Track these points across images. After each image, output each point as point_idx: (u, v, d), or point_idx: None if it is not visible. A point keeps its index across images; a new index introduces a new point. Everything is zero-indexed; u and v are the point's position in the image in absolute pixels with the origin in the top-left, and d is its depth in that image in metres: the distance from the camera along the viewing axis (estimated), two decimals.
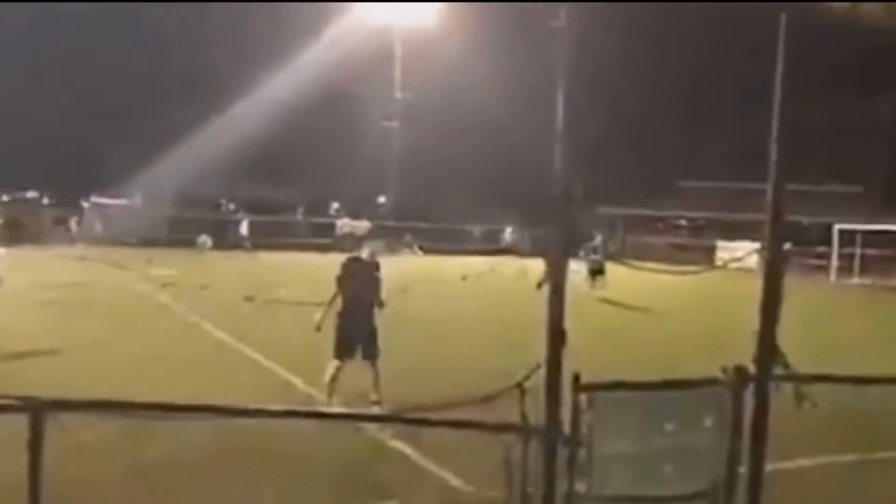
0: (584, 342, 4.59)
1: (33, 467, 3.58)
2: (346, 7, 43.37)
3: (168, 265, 24.48)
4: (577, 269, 19.83)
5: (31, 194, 49.24)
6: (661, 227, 51.14)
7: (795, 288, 7.36)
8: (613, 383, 4.41)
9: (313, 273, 24.28)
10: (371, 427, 7.09)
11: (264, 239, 37.84)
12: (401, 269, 28.25)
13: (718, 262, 29.28)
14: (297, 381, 9.67)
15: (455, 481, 6.37)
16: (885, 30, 4.82)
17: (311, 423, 6.44)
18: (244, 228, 39.82)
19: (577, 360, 4.27)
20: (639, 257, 27.03)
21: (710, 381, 4.56)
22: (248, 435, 6.29)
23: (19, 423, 3.58)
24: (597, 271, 20.91)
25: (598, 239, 21.76)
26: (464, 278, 25.36)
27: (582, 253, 20.88)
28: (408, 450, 6.90)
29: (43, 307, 15.05)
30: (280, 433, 6.35)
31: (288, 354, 10.80)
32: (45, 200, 49.06)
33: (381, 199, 51.79)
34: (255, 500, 5.71)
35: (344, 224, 41.82)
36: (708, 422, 4.48)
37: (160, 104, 45.45)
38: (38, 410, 3.55)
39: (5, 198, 46.76)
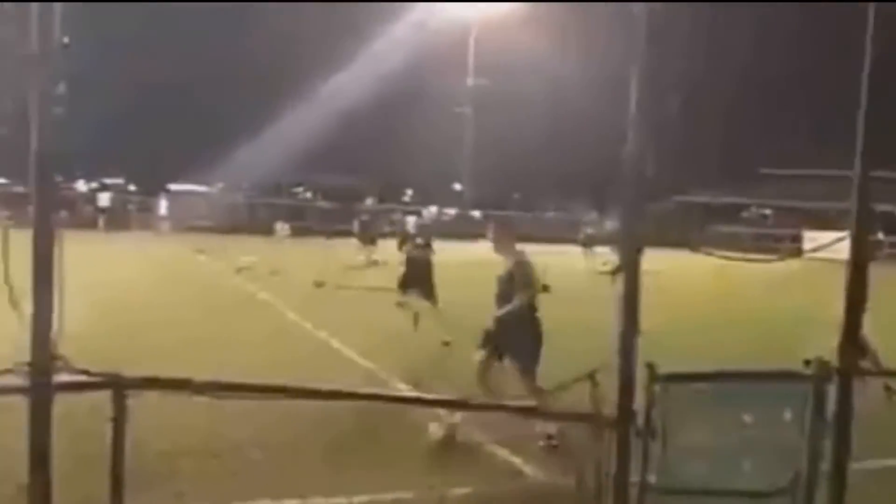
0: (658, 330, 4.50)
1: (116, 443, 3.70)
2: None
3: (247, 251, 25.00)
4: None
5: (115, 181, 50.70)
6: (743, 215, 49.84)
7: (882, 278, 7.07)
8: (690, 374, 4.32)
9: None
10: (441, 412, 7.11)
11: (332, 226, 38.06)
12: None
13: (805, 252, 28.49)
14: (370, 365, 9.80)
15: (527, 468, 6.36)
16: None
17: (377, 406, 6.50)
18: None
19: (650, 349, 4.21)
20: (720, 248, 26.44)
21: (791, 374, 4.42)
22: (318, 417, 6.40)
23: (102, 400, 3.71)
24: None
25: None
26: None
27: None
28: (479, 436, 6.90)
29: (127, 289, 15.56)
30: (348, 415, 6.45)
31: (362, 339, 10.95)
32: (132, 187, 50.51)
33: (457, 187, 51.80)
34: (333, 482, 5.82)
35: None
36: (788, 416, 4.35)
37: (238, 95, 46.34)
38: (121, 387, 3.68)
39: (95, 184, 48.36)
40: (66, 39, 3.26)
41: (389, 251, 24.26)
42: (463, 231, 41.13)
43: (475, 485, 5.94)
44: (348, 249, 24.82)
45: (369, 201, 26.89)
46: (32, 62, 3.17)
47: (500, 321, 7.03)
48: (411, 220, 14.32)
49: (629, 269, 4.23)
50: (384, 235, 25.03)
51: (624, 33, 4.19)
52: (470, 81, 47.21)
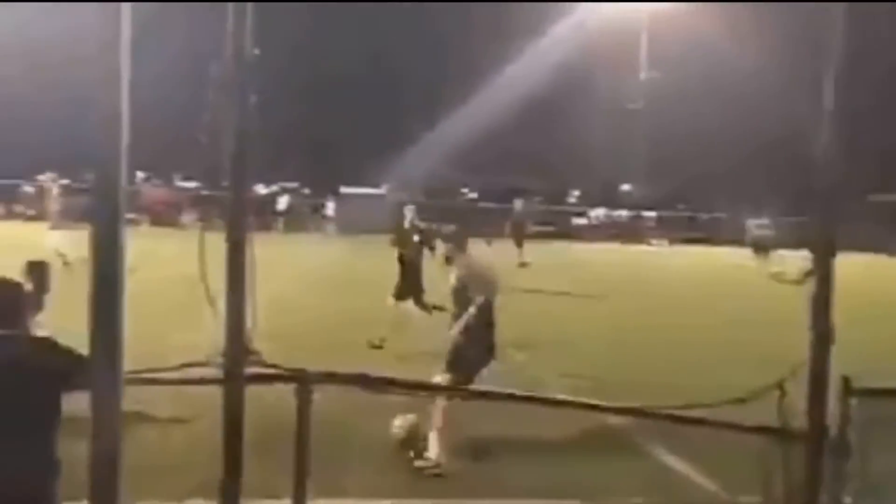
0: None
1: (300, 434, 3.88)
2: None
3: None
4: None
5: (291, 185, 53.18)
6: None
7: None
8: (892, 389, 4.00)
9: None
10: (615, 420, 6.94)
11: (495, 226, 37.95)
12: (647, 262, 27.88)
13: None
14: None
15: (709, 484, 6.08)
16: None
17: (544, 412, 6.36)
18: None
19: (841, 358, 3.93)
20: None
21: None
22: (494, 415, 6.41)
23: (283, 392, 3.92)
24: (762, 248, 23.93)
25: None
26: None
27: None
28: (656, 448, 6.70)
29: (310, 288, 16.21)
30: (511, 419, 6.41)
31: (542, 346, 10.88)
32: (306, 191, 52.78)
33: (626, 187, 50.65)
34: (509, 483, 5.84)
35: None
36: None
37: (406, 97, 47.50)
38: (306, 382, 3.86)
39: (275, 187, 51.03)
40: (256, 50, 3.44)
41: (537, 252, 24.16)
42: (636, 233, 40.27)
43: (654, 498, 5.77)
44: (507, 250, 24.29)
45: (518, 203, 26.23)
46: (228, 72, 3.37)
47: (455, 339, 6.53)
48: (409, 214, 11.93)
49: (822, 274, 3.98)
50: (532, 237, 24.45)
51: (810, 25, 3.98)
52: (643, 75, 46.02)
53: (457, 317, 6.60)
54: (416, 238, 11.43)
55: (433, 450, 6.11)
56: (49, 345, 3.09)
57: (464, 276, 6.71)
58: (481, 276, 6.78)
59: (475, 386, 6.22)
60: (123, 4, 2.17)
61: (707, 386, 6.50)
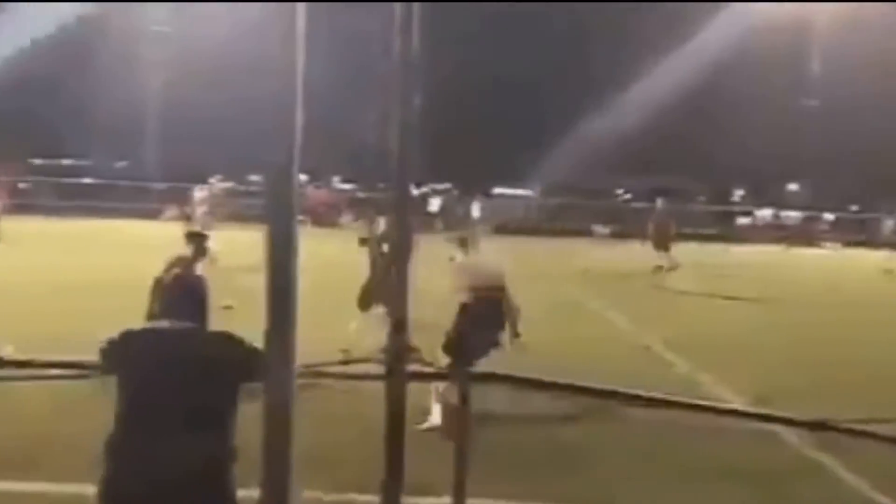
0: None
1: (461, 430, 3.90)
2: None
3: (565, 254, 25.02)
4: None
5: (442, 186, 53.71)
6: None
7: None
8: None
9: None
10: (789, 433, 6.55)
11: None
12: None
13: None
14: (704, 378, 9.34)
15: (886, 500, 5.64)
16: None
17: (710, 421, 6.10)
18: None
19: None
20: None
21: None
22: (639, 426, 6.23)
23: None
24: None
25: None
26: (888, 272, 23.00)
27: None
28: (835, 465, 6.27)
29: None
30: (669, 428, 6.21)
31: (699, 350, 10.50)
32: (455, 192, 53.27)
33: (793, 187, 47.96)
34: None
35: None
36: None
37: (558, 96, 46.91)
38: (465, 379, 3.88)
39: (426, 188, 51.67)
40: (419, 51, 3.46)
41: (694, 254, 22.81)
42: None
43: None
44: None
45: (660, 202, 24.60)
46: (394, 74, 3.41)
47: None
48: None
49: None
50: (677, 238, 22.68)
51: None
52: (816, 70, 43.48)
53: (461, 306, 7.19)
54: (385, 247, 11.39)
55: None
56: (227, 338, 3.23)
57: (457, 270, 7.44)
58: (472, 274, 7.48)
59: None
60: (299, 4, 2.21)
61: (886, 400, 6.07)
